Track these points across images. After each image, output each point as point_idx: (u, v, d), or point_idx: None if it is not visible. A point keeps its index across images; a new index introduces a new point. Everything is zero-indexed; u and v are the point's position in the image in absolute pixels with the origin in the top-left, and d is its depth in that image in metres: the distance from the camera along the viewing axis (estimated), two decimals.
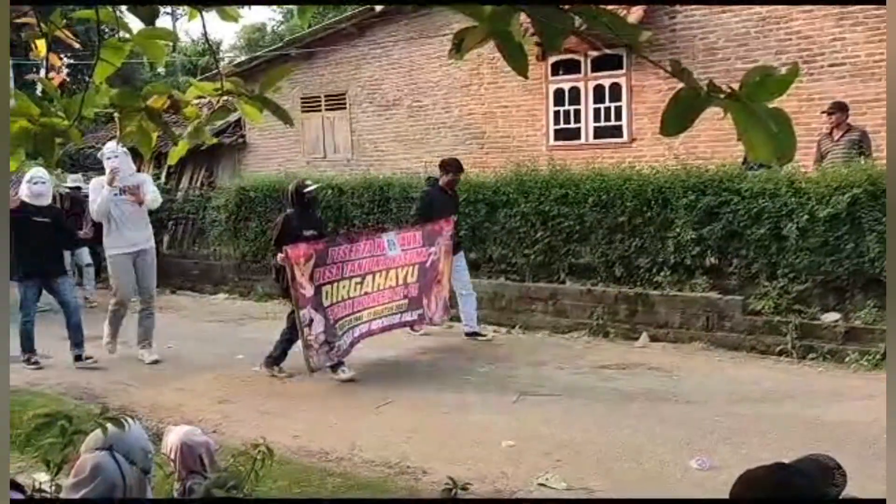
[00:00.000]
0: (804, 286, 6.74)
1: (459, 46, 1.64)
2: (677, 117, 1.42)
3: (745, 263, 7.07)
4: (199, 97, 2.54)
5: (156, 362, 6.82)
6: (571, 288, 7.95)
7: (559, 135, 10.88)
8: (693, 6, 9.63)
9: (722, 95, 1.34)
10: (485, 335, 7.53)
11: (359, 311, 6.41)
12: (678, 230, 7.30)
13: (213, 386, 6.18)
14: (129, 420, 2.12)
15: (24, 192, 6.66)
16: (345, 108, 12.97)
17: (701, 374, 6.15)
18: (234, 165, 13.82)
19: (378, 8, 10.95)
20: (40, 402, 5.40)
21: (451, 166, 7.44)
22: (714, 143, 8.71)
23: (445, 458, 4.47)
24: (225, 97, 2.35)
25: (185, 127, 2.65)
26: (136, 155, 6.22)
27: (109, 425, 1.98)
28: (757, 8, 9.26)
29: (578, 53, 10.29)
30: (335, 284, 6.15)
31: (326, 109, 13.16)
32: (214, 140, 2.53)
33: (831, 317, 6.59)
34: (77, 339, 6.75)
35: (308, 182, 6.68)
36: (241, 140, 13.95)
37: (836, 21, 8.80)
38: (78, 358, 6.72)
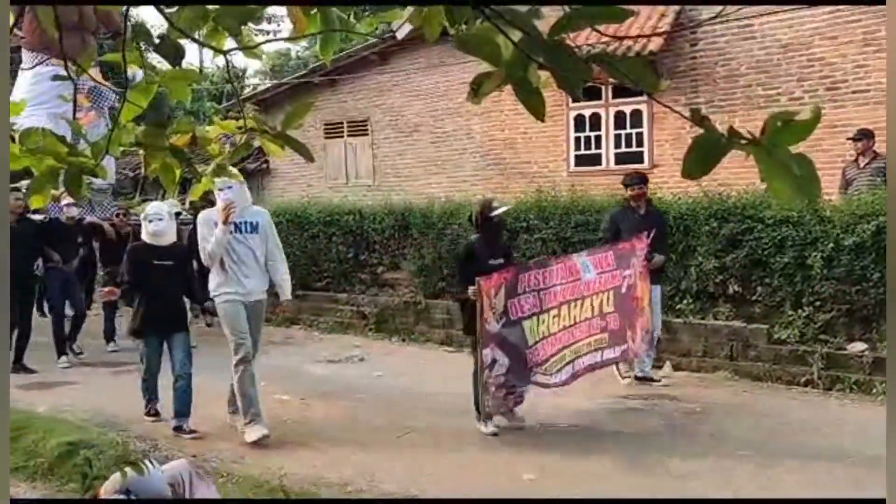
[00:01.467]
0: (830, 315, 6.64)
1: (477, 91, 1.66)
2: (698, 161, 1.41)
3: (770, 292, 6.98)
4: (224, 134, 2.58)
5: (264, 438, 5.30)
6: None
7: (580, 161, 10.88)
8: (715, 34, 9.63)
9: (743, 141, 1.33)
10: (657, 380, 6.68)
11: (561, 350, 5.58)
12: (700, 258, 7.23)
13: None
14: (149, 464, 2.13)
15: (143, 232, 5.85)
16: (367, 134, 13.09)
17: (725, 406, 6.04)
18: (257, 191, 13.96)
19: (400, 36, 11.07)
20: (63, 429, 5.42)
21: (632, 178, 6.60)
22: (737, 169, 8.61)
23: (464, 492, 4.43)
24: (247, 134, 2.39)
25: (209, 159, 2.70)
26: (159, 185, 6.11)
27: (129, 469, 1.98)
28: (779, 35, 9.25)
29: (599, 80, 10.30)
30: (536, 318, 5.36)
31: (349, 135, 13.28)
32: (239, 176, 2.56)
33: (858, 346, 6.47)
34: (182, 408, 5.57)
35: (495, 202, 5.73)
36: (264, 165, 14.11)
37: (860, 48, 8.75)
38: (179, 429, 5.55)
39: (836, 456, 4.80)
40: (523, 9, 1.40)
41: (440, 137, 12.31)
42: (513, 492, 4.42)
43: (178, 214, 8.96)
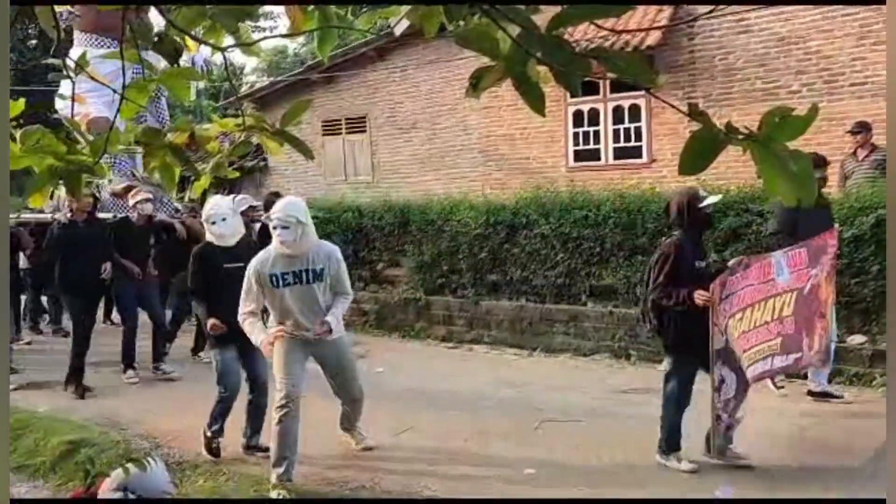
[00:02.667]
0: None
1: (476, 85, 1.66)
2: (695, 157, 1.42)
3: None
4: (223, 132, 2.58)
5: None
6: (593, 310, 7.91)
7: (579, 156, 10.87)
8: (712, 28, 9.62)
9: (740, 136, 1.33)
10: (839, 396, 5.92)
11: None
12: None
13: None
14: (153, 461, 2.13)
15: (207, 233, 5.29)
16: (365, 131, 13.08)
17: None
18: (256, 188, 13.96)
19: (398, 32, 11.06)
20: (65, 428, 5.44)
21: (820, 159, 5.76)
22: (735, 163, 8.63)
23: (468, 490, 4.44)
24: (246, 132, 2.39)
25: (207, 157, 2.70)
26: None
27: (131, 466, 1.99)
28: (777, 28, 9.24)
29: (597, 75, 10.30)
30: (728, 322, 4.58)
31: (347, 132, 13.28)
32: (236, 174, 2.55)
33: (857, 339, 6.48)
34: (257, 426, 5.09)
35: (702, 192, 4.90)
36: (262, 163, 14.10)
37: (857, 40, 8.75)
38: (256, 448, 5.03)
39: (839, 448, 4.82)
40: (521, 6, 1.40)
41: (438, 134, 12.30)
42: (516, 486, 4.43)
43: (252, 208, 7.64)
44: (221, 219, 5.10)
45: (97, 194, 7.75)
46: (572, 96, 10.60)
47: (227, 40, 2.16)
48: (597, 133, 10.66)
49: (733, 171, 7.33)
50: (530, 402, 6.12)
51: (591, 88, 10.53)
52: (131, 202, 7.55)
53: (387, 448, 5.14)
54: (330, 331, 4.53)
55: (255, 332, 4.51)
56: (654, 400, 4.90)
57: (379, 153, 12.98)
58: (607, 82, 10.39)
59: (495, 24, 1.34)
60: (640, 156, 10.30)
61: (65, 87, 6.65)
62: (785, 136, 1.31)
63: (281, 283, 4.50)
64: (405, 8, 2.03)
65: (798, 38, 9.12)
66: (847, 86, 8.83)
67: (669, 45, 9.88)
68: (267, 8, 20.14)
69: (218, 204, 5.19)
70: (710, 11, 8.76)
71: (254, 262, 4.57)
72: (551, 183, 9.07)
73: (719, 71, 9.67)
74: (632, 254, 7.66)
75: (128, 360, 7.23)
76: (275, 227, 4.47)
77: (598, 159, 10.68)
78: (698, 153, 1.38)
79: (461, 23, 1.79)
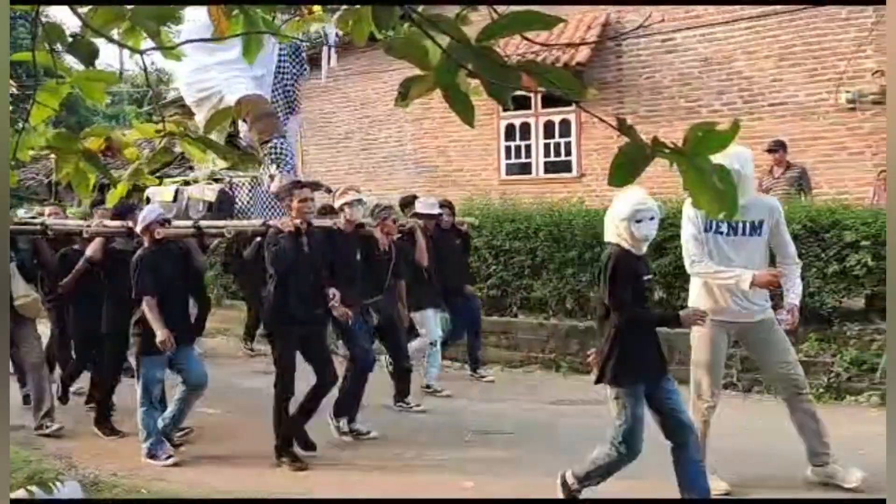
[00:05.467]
0: None
1: (406, 95, 1.63)
2: (624, 170, 1.43)
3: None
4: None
5: None
6: (524, 322, 7.97)
7: (511, 169, 11.00)
8: (639, 46, 9.90)
9: (667, 150, 1.35)
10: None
11: None
12: None
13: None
14: (59, 484, 2.01)
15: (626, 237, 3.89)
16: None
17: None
18: (181, 198, 13.56)
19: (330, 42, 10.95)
20: None
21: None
22: (660, 178, 8.88)
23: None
24: (167, 138, 2.30)
25: (125, 164, 2.59)
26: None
27: (35, 488, 1.87)
28: (700, 49, 9.57)
29: (529, 90, 10.45)
30: None
31: None
32: (156, 181, 2.45)
33: None
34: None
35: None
36: (189, 172, 13.72)
37: (776, 63, 9.14)
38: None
39: (753, 453, 4.96)
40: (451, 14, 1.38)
41: (372, 144, 12.24)
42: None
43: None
44: (650, 217, 3.86)
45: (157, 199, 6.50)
46: (504, 109, 10.72)
47: (148, 44, 2.08)
48: (528, 147, 10.81)
49: (658, 186, 7.52)
50: (461, 414, 6.11)
51: (523, 103, 10.68)
52: (337, 204, 5.69)
53: (321, 462, 5.03)
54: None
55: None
56: (589, 410, 4.93)
57: (310, 163, 12.82)
58: (539, 97, 10.55)
59: (424, 33, 1.32)
60: (570, 170, 10.49)
61: (189, 66, 5.85)
62: (708, 150, 1.33)
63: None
64: (334, 16, 1.99)
65: (721, 59, 9.47)
66: (766, 106, 9.21)
67: (599, 61, 10.11)
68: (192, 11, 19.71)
69: (645, 199, 3.88)
70: (637, 28, 9.03)
71: None
72: (484, 195, 9.13)
73: (646, 88, 9.94)
74: (562, 266, 7.76)
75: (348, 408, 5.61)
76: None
77: (530, 172, 10.83)
78: (626, 166, 1.39)
79: (391, 32, 1.76)
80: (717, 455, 4.30)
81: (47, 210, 6.79)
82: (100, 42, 2.03)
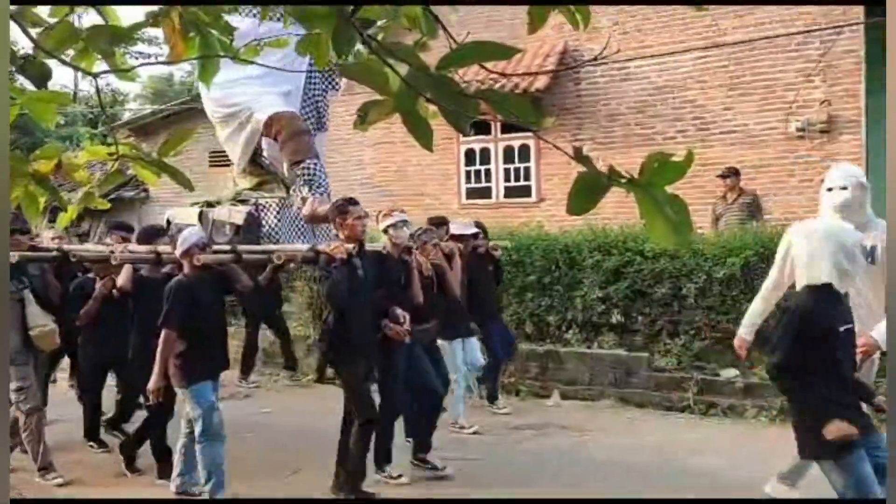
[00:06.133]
0: (704, 343, 6.99)
1: (364, 119, 1.63)
2: (582, 198, 1.44)
3: (649, 321, 7.28)
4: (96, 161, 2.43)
5: None
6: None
7: (471, 194, 11.05)
8: (596, 74, 10.08)
9: (623, 180, 1.37)
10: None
11: None
12: (585, 289, 7.46)
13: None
14: None
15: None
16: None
17: (611, 434, 6.20)
18: (137, 220, 13.31)
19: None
20: None
21: None
22: (618, 203, 9.02)
23: None
24: (119, 160, 2.25)
25: (76, 186, 2.52)
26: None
27: None
28: (654, 77, 9.79)
29: (488, 115, 10.54)
30: None
31: None
32: (107, 205, 2.38)
33: (730, 372, 6.83)
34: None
35: None
36: (143, 193, 13.49)
37: (727, 92, 9.40)
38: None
39: (708, 473, 5.01)
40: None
41: (330, 167, 12.08)
42: None
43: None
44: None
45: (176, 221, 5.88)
46: (463, 135, 10.79)
47: (102, 66, 2.04)
48: (488, 171, 10.89)
49: (615, 211, 7.64)
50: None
51: (483, 128, 10.77)
52: (382, 226, 5.36)
53: (274, 492, 4.91)
54: None
55: None
56: (542, 437, 4.91)
57: None
58: (498, 123, 10.66)
59: (382, 61, 1.32)
60: (529, 195, 10.59)
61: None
62: (664, 180, 1.35)
63: None
64: (292, 40, 1.98)
65: (674, 87, 9.70)
66: (718, 133, 9.45)
67: (557, 88, 10.27)
68: (151, 32, 19.52)
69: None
70: (594, 59, 9.20)
71: None
72: None
73: (603, 115, 10.12)
74: (521, 291, 7.79)
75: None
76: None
77: (490, 197, 10.89)
78: (584, 195, 1.40)
79: (350, 57, 1.76)
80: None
81: (49, 234, 6.28)
82: (53, 63, 1.99)
